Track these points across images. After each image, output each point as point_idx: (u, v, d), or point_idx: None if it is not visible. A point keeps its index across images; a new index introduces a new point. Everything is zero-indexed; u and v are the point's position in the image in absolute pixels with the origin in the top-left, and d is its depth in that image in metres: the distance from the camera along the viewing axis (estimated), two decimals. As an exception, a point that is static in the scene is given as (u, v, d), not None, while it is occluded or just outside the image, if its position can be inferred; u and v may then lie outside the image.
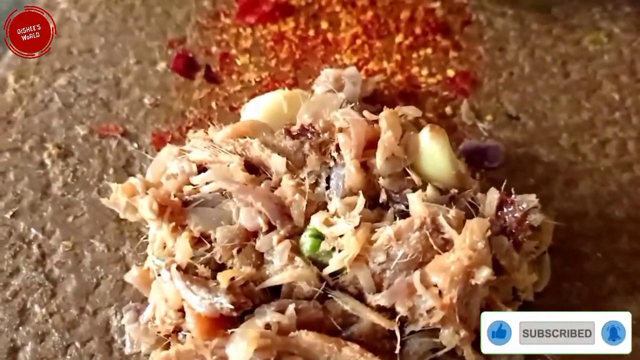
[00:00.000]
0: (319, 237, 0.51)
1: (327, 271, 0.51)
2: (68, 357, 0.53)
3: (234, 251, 0.51)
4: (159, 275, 0.51)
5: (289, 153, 0.56)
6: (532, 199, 0.53)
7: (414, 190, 0.53)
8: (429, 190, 0.54)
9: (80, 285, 0.57)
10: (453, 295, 0.47)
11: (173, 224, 0.53)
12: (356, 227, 0.50)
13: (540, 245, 0.56)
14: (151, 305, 0.52)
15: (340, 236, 0.50)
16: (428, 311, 0.48)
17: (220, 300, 0.47)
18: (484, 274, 0.47)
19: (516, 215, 0.53)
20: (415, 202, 0.52)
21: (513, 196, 0.53)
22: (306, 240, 0.52)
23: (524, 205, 0.53)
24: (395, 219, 0.52)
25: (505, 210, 0.53)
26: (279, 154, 0.55)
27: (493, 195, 0.54)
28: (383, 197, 0.54)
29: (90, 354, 0.54)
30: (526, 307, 0.55)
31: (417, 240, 0.50)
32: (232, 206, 0.53)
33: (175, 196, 0.54)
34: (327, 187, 0.55)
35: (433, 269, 0.49)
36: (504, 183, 0.54)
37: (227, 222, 0.53)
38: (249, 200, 0.52)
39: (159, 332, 0.51)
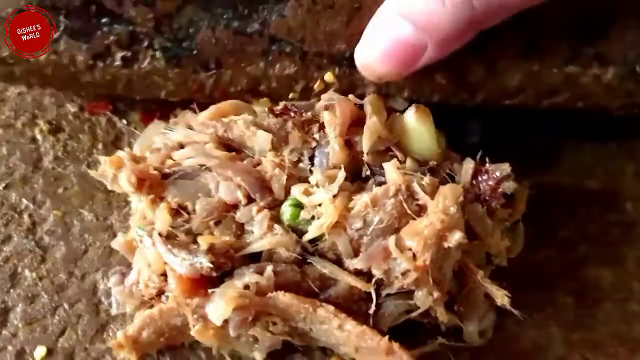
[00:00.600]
0: (299, 206, 0.52)
1: (306, 238, 0.52)
2: (57, 317, 0.55)
3: (211, 223, 0.52)
4: (142, 242, 0.53)
5: (271, 131, 0.56)
6: (505, 167, 0.54)
7: (397, 164, 0.54)
8: (408, 161, 0.55)
9: (69, 252, 0.59)
10: (426, 258, 0.49)
11: (152, 196, 0.54)
12: (334, 196, 0.52)
13: (514, 213, 0.58)
14: (135, 270, 0.53)
15: (319, 205, 0.52)
16: (403, 274, 0.50)
17: (200, 260, 0.48)
18: (456, 237, 0.49)
19: (490, 183, 0.54)
20: (391, 170, 0.53)
21: (487, 165, 0.55)
22: (286, 210, 0.53)
23: (498, 174, 0.54)
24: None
25: (479, 178, 0.55)
26: (262, 131, 0.56)
27: (468, 164, 0.56)
28: (366, 172, 0.55)
29: (78, 314, 0.55)
30: (500, 272, 0.56)
31: (393, 206, 0.51)
32: (210, 179, 0.54)
33: (155, 169, 0.55)
34: (311, 165, 0.55)
35: (407, 233, 0.50)
36: (479, 153, 0.56)
37: (204, 194, 0.53)
38: (229, 174, 0.53)
39: (143, 296, 0.53)
